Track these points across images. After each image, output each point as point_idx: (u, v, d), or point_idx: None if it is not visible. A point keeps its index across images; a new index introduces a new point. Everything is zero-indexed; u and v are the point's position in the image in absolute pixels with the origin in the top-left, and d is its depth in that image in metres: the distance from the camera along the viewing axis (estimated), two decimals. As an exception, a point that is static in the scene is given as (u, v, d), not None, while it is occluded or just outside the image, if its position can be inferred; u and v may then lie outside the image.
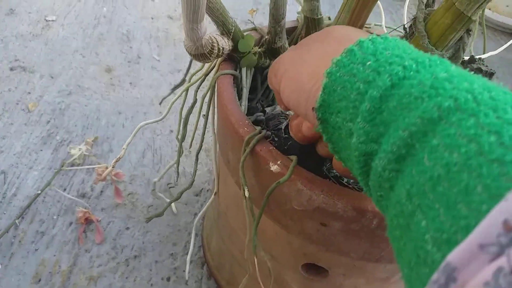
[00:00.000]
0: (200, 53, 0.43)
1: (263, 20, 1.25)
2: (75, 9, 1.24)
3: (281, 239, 0.45)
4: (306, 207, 0.38)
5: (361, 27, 0.44)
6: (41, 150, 0.84)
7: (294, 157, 0.39)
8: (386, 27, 0.60)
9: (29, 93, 0.96)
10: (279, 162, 0.38)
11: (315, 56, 0.33)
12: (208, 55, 0.43)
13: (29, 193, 0.76)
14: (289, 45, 0.62)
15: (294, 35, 0.60)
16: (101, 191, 0.78)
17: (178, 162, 0.57)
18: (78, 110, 0.94)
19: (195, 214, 0.77)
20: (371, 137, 0.25)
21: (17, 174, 0.79)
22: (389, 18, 1.50)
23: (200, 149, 0.53)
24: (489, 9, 1.45)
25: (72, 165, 0.81)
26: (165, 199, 0.77)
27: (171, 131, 0.92)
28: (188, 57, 0.90)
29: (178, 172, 0.58)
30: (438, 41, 0.37)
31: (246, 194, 0.40)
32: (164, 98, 0.69)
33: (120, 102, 0.97)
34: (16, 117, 0.90)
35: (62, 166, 0.79)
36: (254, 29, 0.56)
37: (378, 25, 0.61)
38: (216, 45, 0.44)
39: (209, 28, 0.46)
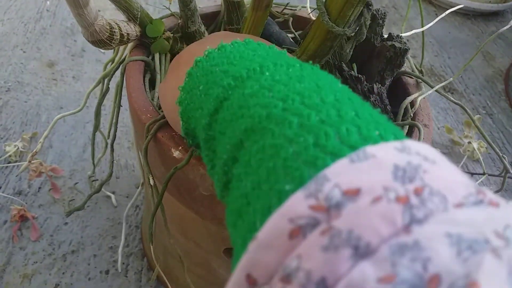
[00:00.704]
0: (98, 40, 0.42)
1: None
2: (16, 3, 1.20)
3: (199, 225, 0.45)
4: (213, 192, 0.37)
5: (267, 7, 0.44)
6: (-24, 148, 0.81)
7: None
8: (310, 8, 0.60)
9: (-35, 90, 0.93)
10: (180, 148, 0.37)
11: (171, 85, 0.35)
12: (108, 41, 0.42)
13: (-38, 192, 0.74)
14: (213, 30, 0.61)
15: (217, 20, 0.59)
16: (39, 188, 0.76)
17: (93, 154, 0.56)
18: (16, 106, 0.91)
19: (137, 206, 0.76)
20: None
21: (-51, 173, 0.76)
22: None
23: (114, 139, 0.51)
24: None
25: (9, 162, 0.79)
26: (111, 195, 0.76)
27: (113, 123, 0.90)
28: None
29: (94, 164, 0.57)
30: (338, 17, 0.37)
31: (151, 182, 0.39)
32: (90, 91, 0.67)
33: (62, 97, 0.95)
34: (-50, 116, 0.87)
35: (-5, 163, 0.77)
36: (172, 14, 0.55)
37: (303, 6, 0.61)
38: (117, 30, 0.43)
39: (118, 16, 0.45)
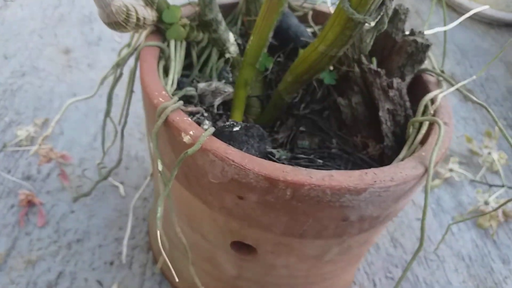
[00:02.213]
0: (114, 21, 0.41)
1: None
2: (36, -11, 1.20)
3: (206, 216, 0.43)
4: (221, 179, 0.36)
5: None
6: (-12, 131, 0.81)
7: (210, 128, 0.37)
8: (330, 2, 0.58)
9: (-20, 73, 0.92)
10: (191, 132, 0.36)
11: None
12: (124, 24, 0.41)
13: (-29, 174, 0.73)
14: (231, 21, 0.60)
15: (235, 11, 0.58)
16: (48, 174, 0.75)
17: (103, 141, 0.55)
18: (30, 91, 0.90)
19: (145, 199, 0.75)
20: None
21: (-41, 155, 0.76)
22: None
23: (125, 125, 0.50)
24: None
25: (20, 146, 0.78)
26: (119, 184, 0.75)
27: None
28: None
29: (103, 151, 0.56)
30: (359, 4, 0.35)
31: (160, 167, 0.38)
32: (104, 76, 0.66)
33: (76, 84, 0.94)
34: (-36, 98, 0.86)
35: (4, 146, 0.76)
36: (189, 3, 0.53)
37: (324, 1, 0.59)
38: (133, 13, 0.41)
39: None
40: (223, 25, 0.53)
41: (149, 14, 0.46)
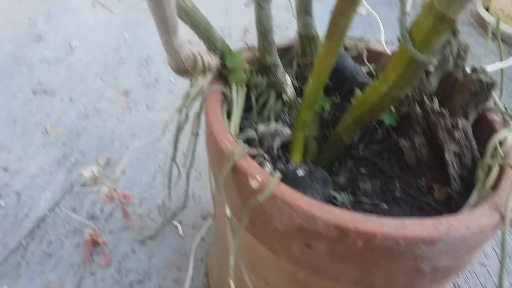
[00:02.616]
0: (182, 68, 0.42)
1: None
2: (98, 34, 1.27)
3: (272, 263, 0.43)
4: (289, 227, 0.35)
5: (340, 37, 0.42)
6: (55, 171, 0.85)
7: (277, 173, 0.37)
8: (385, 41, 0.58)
9: (49, 115, 0.98)
10: (258, 177, 0.36)
11: None
12: (191, 71, 0.43)
13: (40, 214, 0.77)
14: (286, 64, 0.61)
15: (291, 54, 0.59)
16: (111, 213, 0.78)
17: (169, 184, 0.56)
18: (93, 132, 0.95)
19: (203, 239, 0.75)
20: None
21: (30, 195, 0.80)
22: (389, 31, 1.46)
23: (190, 167, 0.51)
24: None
25: (84, 186, 0.82)
26: (177, 224, 0.76)
27: (184, 154, 0.92)
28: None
29: (170, 193, 0.57)
30: (422, 45, 0.35)
31: (228, 213, 0.38)
32: (169, 121, 0.68)
33: (135, 125, 0.98)
34: (34, 139, 0.92)
35: (71, 187, 0.80)
36: (248, 48, 0.55)
37: (378, 40, 0.59)
38: (199, 60, 0.43)
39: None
40: (281, 68, 0.54)
41: (212, 61, 0.48)
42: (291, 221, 0.35)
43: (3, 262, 0.68)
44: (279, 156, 0.53)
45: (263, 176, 0.37)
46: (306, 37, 0.56)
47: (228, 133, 0.43)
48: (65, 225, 0.76)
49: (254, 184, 0.37)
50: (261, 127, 0.52)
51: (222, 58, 0.49)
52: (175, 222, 0.76)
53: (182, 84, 1.12)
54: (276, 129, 0.53)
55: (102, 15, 1.35)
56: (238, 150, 0.40)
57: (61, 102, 1.02)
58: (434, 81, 0.41)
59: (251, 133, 0.50)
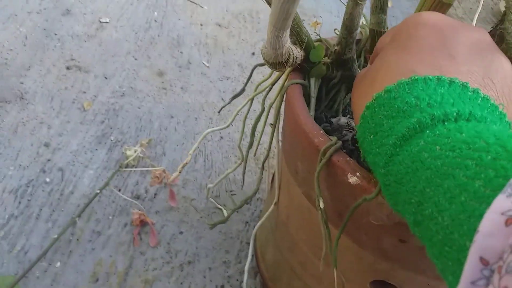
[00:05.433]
0: (278, 61, 0.43)
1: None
2: (127, 12, 1.26)
3: (351, 253, 0.44)
4: (386, 222, 0.37)
5: None
6: (96, 149, 0.86)
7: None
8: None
9: (84, 92, 0.98)
10: (358, 173, 0.37)
11: (369, 82, 0.35)
12: (285, 64, 0.44)
13: (85, 191, 0.78)
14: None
15: (358, 48, 0.60)
16: (155, 194, 0.79)
17: (244, 169, 0.57)
18: (131, 111, 0.95)
19: (246, 223, 0.77)
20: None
21: (73, 172, 0.81)
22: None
23: (267, 157, 0.52)
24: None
25: (127, 166, 0.82)
26: (223, 208, 0.77)
27: (221, 137, 0.92)
28: (235, 65, 0.91)
29: (243, 180, 0.58)
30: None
31: (321, 205, 0.39)
32: (223, 106, 0.69)
33: (172, 106, 0.98)
34: (72, 116, 0.92)
35: (120, 166, 0.80)
36: (319, 40, 0.55)
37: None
38: (292, 54, 0.44)
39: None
40: (356, 63, 0.55)
41: (299, 54, 0.48)
42: (390, 217, 0.37)
43: (56, 238, 0.69)
44: (352, 149, 0.55)
45: (361, 173, 0.38)
46: (378, 33, 0.56)
47: (318, 127, 0.43)
48: (111, 204, 0.76)
49: (353, 180, 0.38)
50: (335, 120, 0.54)
51: (306, 51, 0.50)
52: (219, 206, 0.77)
53: (214, 67, 1.12)
54: (348, 122, 0.54)
55: (129, -9, 1.33)
56: (333, 145, 0.41)
57: (95, 79, 1.02)
58: None
59: (326, 126, 0.51)
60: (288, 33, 0.42)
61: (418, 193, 0.26)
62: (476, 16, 0.52)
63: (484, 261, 0.20)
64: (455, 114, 0.28)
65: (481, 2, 0.47)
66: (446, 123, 0.28)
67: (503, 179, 0.21)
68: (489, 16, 0.51)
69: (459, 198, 0.23)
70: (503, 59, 0.32)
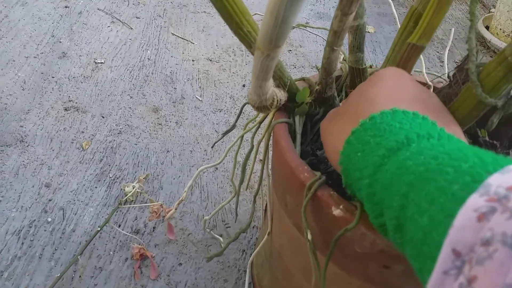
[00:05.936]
0: (263, 105, 0.47)
1: (295, 61, 1.30)
2: (121, 51, 1.31)
3: (340, 280, 0.47)
4: (369, 250, 0.40)
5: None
6: (96, 187, 0.89)
7: (357, 203, 0.41)
8: (426, 73, 0.63)
9: (83, 132, 1.02)
10: (341, 206, 0.40)
11: (346, 120, 0.40)
12: (269, 107, 0.47)
13: (86, 229, 0.81)
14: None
15: (339, 83, 0.64)
16: (154, 228, 0.82)
17: (237, 204, 0.60)
18: (128, 148, 0.99)
19: (243, 251, 0.80)
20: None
21: (74, 210, 0.84)
22: (428, 64, 1.52)
23: (258, 192, 0.56)
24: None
25: (126, 202, 0.86)
26: (220, 239, 0.80)
27: (216, 168, 0.96)
28: (227, 98, 0.95)
29: (237, 213, 0.61)
30: (492, 91, 0.40)
31: (309, 237, 0.43)
32: (216, 142, 0.73)
33: (168, 140, 1.02)
34: (72, 155, 0.95)
35: (120, 204, 0.83)
36: (302, 79, 0.59)
37: (417, 71, 0.64)
38: (276, 97, 0.47)
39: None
40: (337, 99, 0.59)
41: (283, 96, 0.52)
42: (373, 246, 0.40)
43: (59, 276, 0.72)
44: (336, 179, 0.58)
45: (344, 205, 0.41)
46: (357, 70, 0.61)
47: (304, 163, 0.47)
48: (112, 240, 0.79)
49: (337, 212, 0.41)
50: (320, 153, 0.57)
51: (290, 92, 0.54)
52: (216, 236, 0.80)
53: (207, 100, 1.16)
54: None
55: (123, 32, 1.39)
56: (318, 181, 0.44)
57: (93, 119, 1.06)
58: (495, 120, 0.46)
59: (312, 159, 0.55)
60: (271, 82, 0.46)
61: (401, 197, 0.29)
62: (451, 38, 0.56)
63: (456, 253, 0.22)
64: (437, 134, 0.32)
65: (452, 34, 0.52)
66: (430, 140, 0.32)
67: (478, 184, 0.24)
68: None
69: (439, 200, 0.25)
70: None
